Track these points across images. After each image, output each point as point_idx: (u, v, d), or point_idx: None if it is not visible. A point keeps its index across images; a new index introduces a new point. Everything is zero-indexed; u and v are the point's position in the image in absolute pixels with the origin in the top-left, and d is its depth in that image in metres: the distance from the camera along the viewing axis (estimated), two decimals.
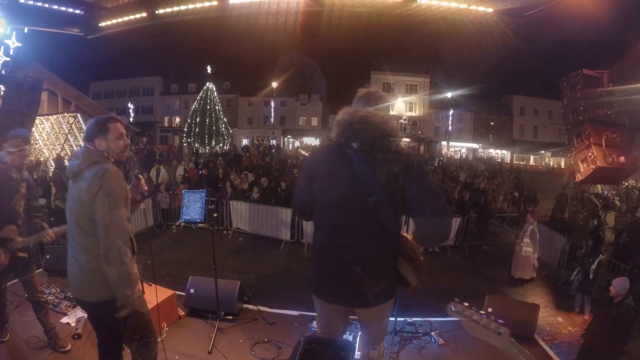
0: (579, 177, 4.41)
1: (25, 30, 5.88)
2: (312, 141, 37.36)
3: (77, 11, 6.49)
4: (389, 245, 1.81)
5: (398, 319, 3.91)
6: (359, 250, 1.77)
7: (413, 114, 42.53)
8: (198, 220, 4.70)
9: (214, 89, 29.80)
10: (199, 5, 6.65)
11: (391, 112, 42.18)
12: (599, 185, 14.21)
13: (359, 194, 1.73)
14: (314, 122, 40.95)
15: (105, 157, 2.05)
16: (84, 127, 18.31)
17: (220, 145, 28.72)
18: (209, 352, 3.41)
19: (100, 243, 1.93)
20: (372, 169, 1.72)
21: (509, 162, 39.71)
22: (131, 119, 39.18)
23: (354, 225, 1.78)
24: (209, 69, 30.50)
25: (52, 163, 11.62)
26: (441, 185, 3.46)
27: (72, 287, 2.14)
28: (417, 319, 4.17)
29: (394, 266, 1.84)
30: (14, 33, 5.61)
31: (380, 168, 1.73)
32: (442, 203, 1.75)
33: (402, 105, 42.11)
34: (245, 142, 41.48)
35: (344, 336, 3.51)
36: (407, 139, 41.67)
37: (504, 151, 43.08)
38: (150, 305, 3.56)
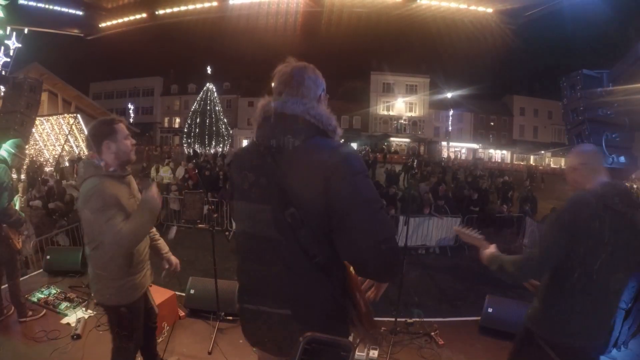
0: None
1: (26, 31, 5.89)
2: None
3: (77, 12, 6.50)
4: (317, 280, 1.24)
5: (398, 319, 3.91)
6: (273, 284, 1.30)
7: (413, 114, 42.55)
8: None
9: (214, 90, 29.84)
10: (199, 5, 6.67)
11: (391, 113, 42.29)
12: None
13: (275, 210, 1.23)
14: None
15: (100, 167, 2.00)
16: (84, 127, 18.33)
17: (221, 146, 28.73)
18: (209, 353, 3.40)
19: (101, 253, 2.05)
20: (290, 179, 1.21)
21: (509, 162, 39.76)
22: (131, 120, 39.22)
23: (266, 250, 1.29)
24: (209, 70, 30.58)
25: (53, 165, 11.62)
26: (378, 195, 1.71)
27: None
28: (417, 319, 4.17)
29: (333, 308, 1.28)
30: (14, 34, 5.61)
31: (297, 178, 1.20)
32: (377, 221, 1.17)
33: (402, 106, 42.14)
34: (245, 143, 41.51)
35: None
36: (407, 139, 41.76)
37: (504, 151, 43.11)
38: None
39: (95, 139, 2.03)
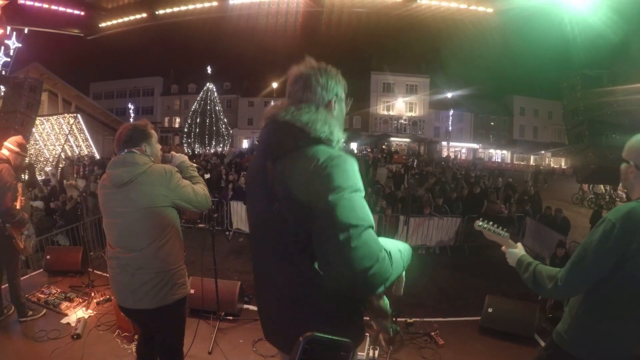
0: (579, 177, 4.41)
1: (26, 30, 5.89)
2: None
3: (78, 12, 6.50)
4: (315, 273, 1.18)
5: (398, 319, 3.92)
6: (272, 280, 1.32)
7: (413, 114, 42.54)
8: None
9: (214, 90, 29.84)
10: (199, 5, 6.66)
11: (391, 112, 42.29)
12: (601, 185, 14.21)
13: (269, 207, 1.23)
14: None
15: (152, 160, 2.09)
16: (84, 127, 18.35)
17: (221, 146, 28.73)
18: (210, 353, 3.40)
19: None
20: (278, 183, 1.20)
21: (509, 162, 39.78)
22: (131, 119, 39.21)
23: (265, 247, 1.33)
24: (209, 70, 30.59)
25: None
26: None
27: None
28: (417, 319, 4.17)
29: (336, 304, 1.23)
30: (14, 33, 5.61)
31: (283, 185, 1.18)
32: (356, 248, 1.05)
33: (402, 106, 42.13)
34: (245, 143, 41.49)
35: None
36: (407, 139, 41.75)
37: (504, 151, 43.10)
38: None
39: (133, 142, 2.05)
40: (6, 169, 3.21)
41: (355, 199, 1.10)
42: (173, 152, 2.27)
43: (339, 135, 1.26)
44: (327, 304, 1.23)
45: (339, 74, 1.36)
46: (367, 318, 1.32)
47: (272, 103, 1.37)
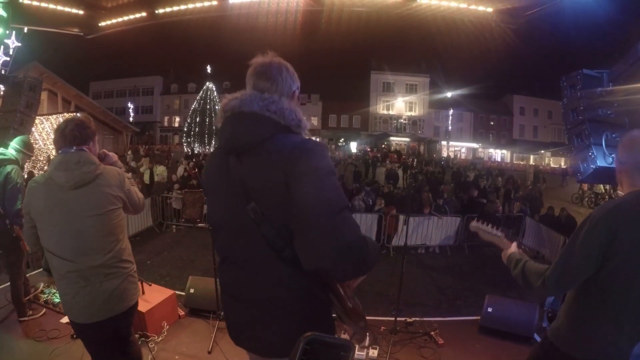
0: (579, 177, 4.41)
1: (25, 29, 5.88)
2: None
3: (77, 11, 6.49)
4: (286, 275, 1.18)
5: (398, 318, 3.92)
6: (246, 282, 1.27)
7: (413, 113, 42.56)
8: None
9: (214, 89, 29.81)
10: (198, 5, 6.65)
11: (391, 112, 42.28)
12: (601, 185, 14.23)
13: (238, 207, 1.19)
14: (314, 121, 40.96)
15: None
16: None
17: None
18: (209, 352, 3.41)
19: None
20: (248, 176, 1.18)
21: (509, 161, 39.78)
22: (131, 119, 39.18)
23: (236, 248, 1.27)
24: (208, 69, 30.54)
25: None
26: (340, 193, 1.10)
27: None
28: (417, 318, 4.17)
29: (311, 305, 1.24)
30: (14, 33, 5.60)
31: (257, 176, 1.17)
32: (337, 225, 1.05)
33: (402, 105, 42.14)
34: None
35: (343, 336, 3.45)
36: (407, 138, 41.75)
37: (504, 151, 43.13)
38: (150, 305, 3.58)
39: (85, 138, 1.99)
40: (15, 170, 3.22)
41: (331, 180, 1.12)
42: (104, 150, 2.15)
43: (306, 124, 1.27)
44: (302, 304, 1.22)
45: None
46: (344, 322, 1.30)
47: (228, 95, 1.30)
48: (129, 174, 2.26)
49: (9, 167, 3.21)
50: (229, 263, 1.33)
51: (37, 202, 1.84)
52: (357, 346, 2.42)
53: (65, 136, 1.87)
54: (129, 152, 21.02)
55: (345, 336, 1.35)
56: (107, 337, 1.99)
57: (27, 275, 4.70)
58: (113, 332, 1.99)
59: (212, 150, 26.56)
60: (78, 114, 2.35)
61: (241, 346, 1.37)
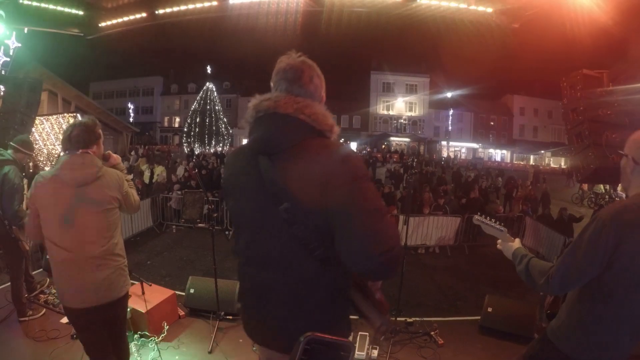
0: (579, 177, 4.41)
1: (25, 30, 5.88)
2: None
3: (77, 11, 6.49)
4: (318, 273, 1.22)
5: (398, 318, 3.92)
6: (274, 282, 1.27)
7: (413, 113, 42.56)
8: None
9: (214, 89, 29.84)
10: (198, 5, 6.65)
11: (391, 112, 42.29)
12: (601, 185, 14.23)
13: (268, 207, 1.21)
14: None
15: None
16: None
17: (221, 145, 28.72)
18: (209, 352, 3.41)
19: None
20: (282, 177, 1.18)
21: (509, 161, 39.78)
22: (131, 119, 39.21)
23: (264, 249, 1.27)
24: (208, 69, 30.57)
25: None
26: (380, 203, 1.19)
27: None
28: (417, 318, 4.17)
29: (335, 302, 1.28)
30: (14, 33, 5.60)
31: (293, 178, 1.17)
32: (374, 226, 1.10)
33: (402, 105, 42.15)
34: (245, 142, 41.47)
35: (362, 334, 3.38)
36: (407, 139, 41.75)
37: (504, 151, 43.12)
38: (150, 305, 3.58)
39: (90, 141, 2.15)
40: (13, 171, 3.21)
41: (372, 186, 1.17)
42: (110, 152, 2.35)
43: (337, 129, 1.29)
44: (326, 303, 1.26)
45: None
46: (368, 315, 1.33)
47: (259, 95, 1.30)
48: (129, 176, 2.39)
49: (6, 168, 3.21)
50: (254, 264, 1.32)
51: (42, 195, 2.01)
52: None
53: (71, 140, 2.05)
54: (132, 153, 21.02)
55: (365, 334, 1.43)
56: (97, 325, 2.14)
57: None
58: (102, 320, 2.14)
59: (212, 150, 26.58)
60: (86, 117, 2.38)
61: (265, 346, 1.37)
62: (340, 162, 1.15)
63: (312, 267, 1.20)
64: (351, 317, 1.37)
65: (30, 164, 10.16)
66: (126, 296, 2.24)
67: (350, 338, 1.39)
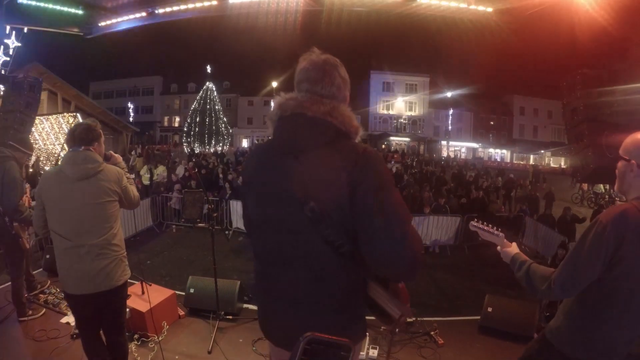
0: (579, 177, 4.41)
1: (25, 30, 5.88)
2: None
3: (77, 11, 6.49)
4: (344, 270, 1.23)
5: None
6: (298, 281, 1.26)
7: (413, 113, 42.54)
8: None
9: (214, 89, 29.81)
10: (198, 4, 6.65)
11: (391, 112, 42.28)
12: (601, 185, 14.24)
13: (292, 206, 1.20)
14: None
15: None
16: None
17: (220, 145, 28.72)
18: (209, 352, 3.41)
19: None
20: (308, 177, 1.18)
21: (509, 161, 39.77)
22: (131, 119, 39.18)
23: (287, 248, 1.26)
24: (208, 69, 30.50)
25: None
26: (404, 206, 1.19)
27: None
28: (417, 318, 4.17)
29: (356, 303, 1.30)
30: (14, 33, 5.60)
31: (320, 178, 1.18)
32: (403, 232, 1.12)
33: (402, 105, 42.13)
34: (245, 142, 41.49)
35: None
36: (407, 138, 41.75)
37: (504, 151, 43.12)
38: (150, 305, 3.58)
39: (91, 140, 2.31)
40: (13, 166, 3.23)
41: (397, 191, 1.20)
42: (111, 152, 2.56)
43: (361, 131, 1.30)
44: (346, 302, 1.27)
45: None
46: (387, 307, 1.32)
47: (284, 94, 1.29)
48: (131, 174, 2.54)
49: (7, 165, 3.23)
50: (276, 264, 1.31)
51: (48, 189, 2.19)
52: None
53: (75, 137, 2.24)
54: (133, 153, 21.02)
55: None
56: (94, 312, 2.28)
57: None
58: (99, 308, 2.27)
59: (211, 149, 26.57)
60: (87, 119, 2.42)
61: (283, 347, 1.34)
62: (369, 167, 1.16)
63: (336, 266, 1.21)
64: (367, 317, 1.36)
65: (31, 163, 10.15)
66: (124, 285, 2.35)
67: (367, 340, 1.38)
